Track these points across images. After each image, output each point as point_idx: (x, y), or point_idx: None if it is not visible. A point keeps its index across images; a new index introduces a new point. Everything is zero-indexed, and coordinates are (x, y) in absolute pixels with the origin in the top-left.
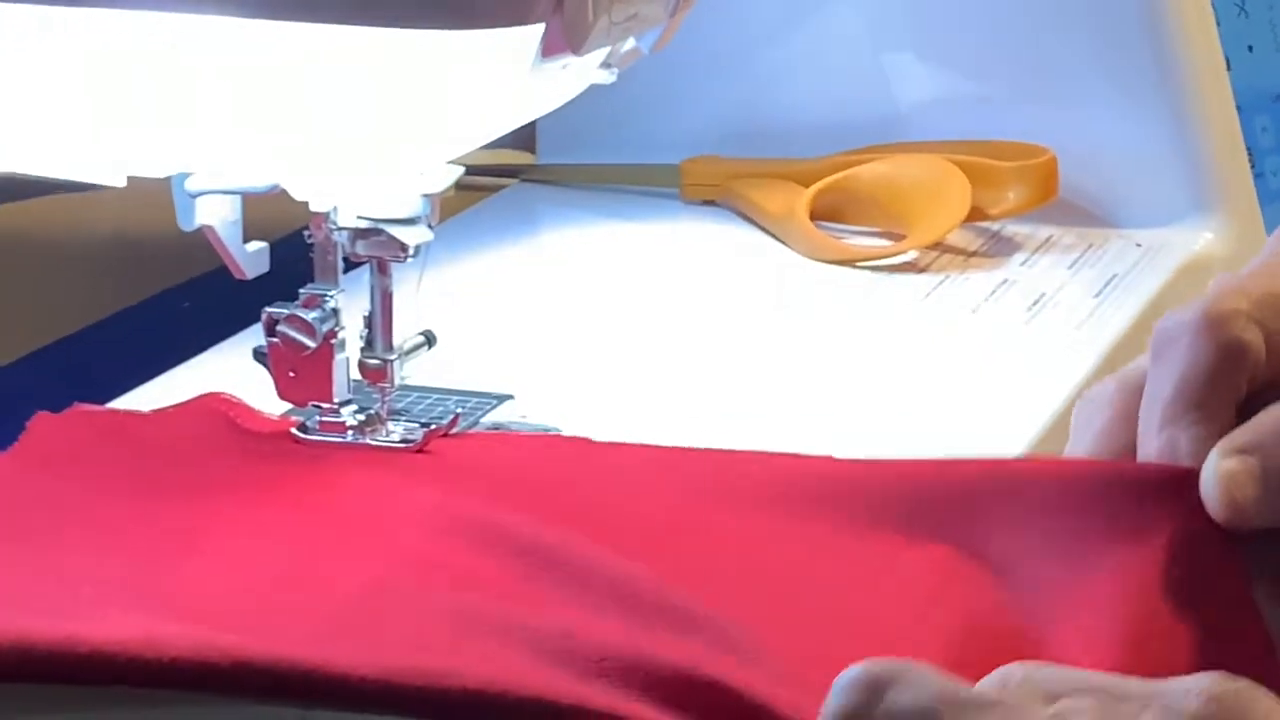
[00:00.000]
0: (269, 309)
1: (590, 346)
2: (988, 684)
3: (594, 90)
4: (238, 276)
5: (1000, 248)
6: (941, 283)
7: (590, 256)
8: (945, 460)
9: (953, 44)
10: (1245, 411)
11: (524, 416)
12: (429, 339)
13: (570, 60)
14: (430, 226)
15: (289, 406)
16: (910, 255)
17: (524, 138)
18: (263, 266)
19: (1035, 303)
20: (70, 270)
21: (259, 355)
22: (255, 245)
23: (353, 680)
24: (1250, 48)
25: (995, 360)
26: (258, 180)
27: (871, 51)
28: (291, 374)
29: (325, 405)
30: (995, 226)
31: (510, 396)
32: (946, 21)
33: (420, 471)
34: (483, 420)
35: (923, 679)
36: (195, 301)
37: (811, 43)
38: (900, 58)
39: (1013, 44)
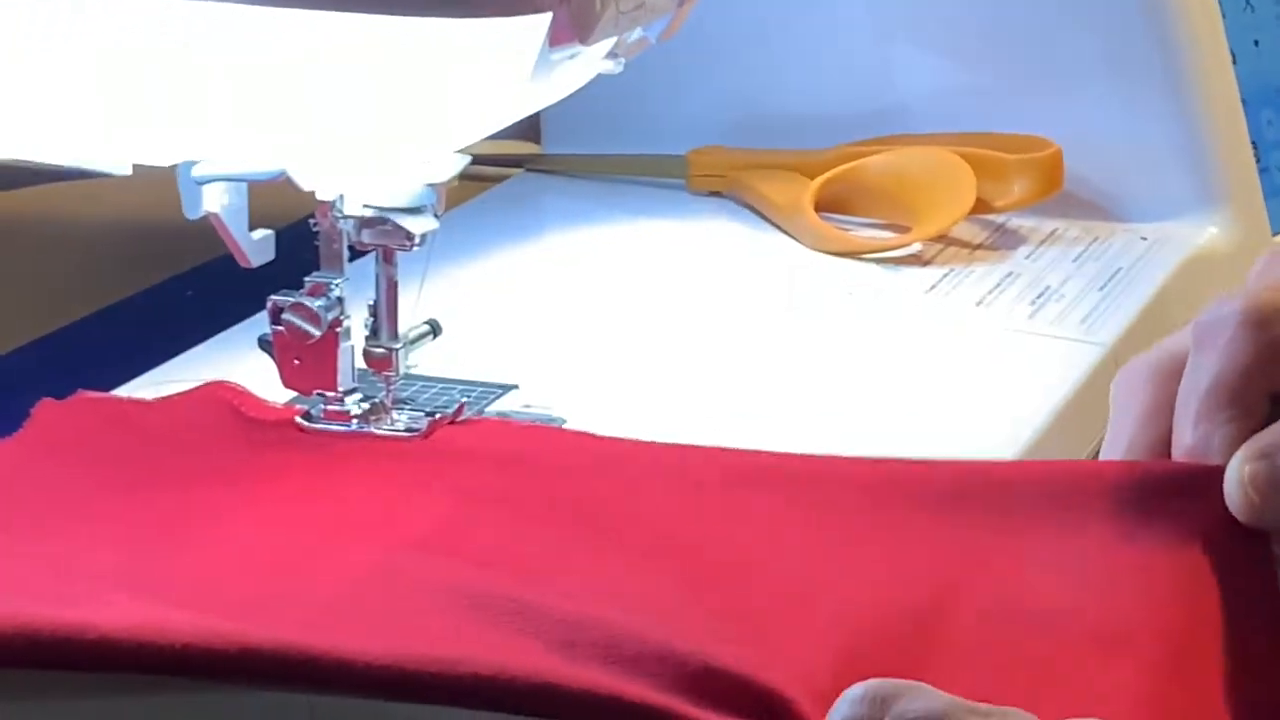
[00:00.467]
0: (274, 297)
1: (595, 337)
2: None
3: (600, 80)
4: (243, 264)
5: (1005, 240)
6: (946, 275)
7: (595, 247)
8: (973, 462)
9: (959, 36)
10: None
11: (528, 406)
12: (434, 328)
13: (578, 50)
14: (436, 215)
15: (294, 395)
16: (915, 247)
17: (529, 127)
18: (268, 254)
19: (1040, 296)
20: (74, 257)
21: (264, 343)
22: (261, 233)
23: (360, 666)
24: (1256, 42)
25: (1000, 353)
26: (264, 167)
27: (878, 43)
28: (296, 362)
29: (330, 394)
30: (1000, 219)
31: (515, 386)
32: (953, 13)
33: (424, 460)
34: (487, 410)
35: (932, 692)
36: (199, 289)
37: (818, 34)
38: (906, 49)
39: (1019, 36)
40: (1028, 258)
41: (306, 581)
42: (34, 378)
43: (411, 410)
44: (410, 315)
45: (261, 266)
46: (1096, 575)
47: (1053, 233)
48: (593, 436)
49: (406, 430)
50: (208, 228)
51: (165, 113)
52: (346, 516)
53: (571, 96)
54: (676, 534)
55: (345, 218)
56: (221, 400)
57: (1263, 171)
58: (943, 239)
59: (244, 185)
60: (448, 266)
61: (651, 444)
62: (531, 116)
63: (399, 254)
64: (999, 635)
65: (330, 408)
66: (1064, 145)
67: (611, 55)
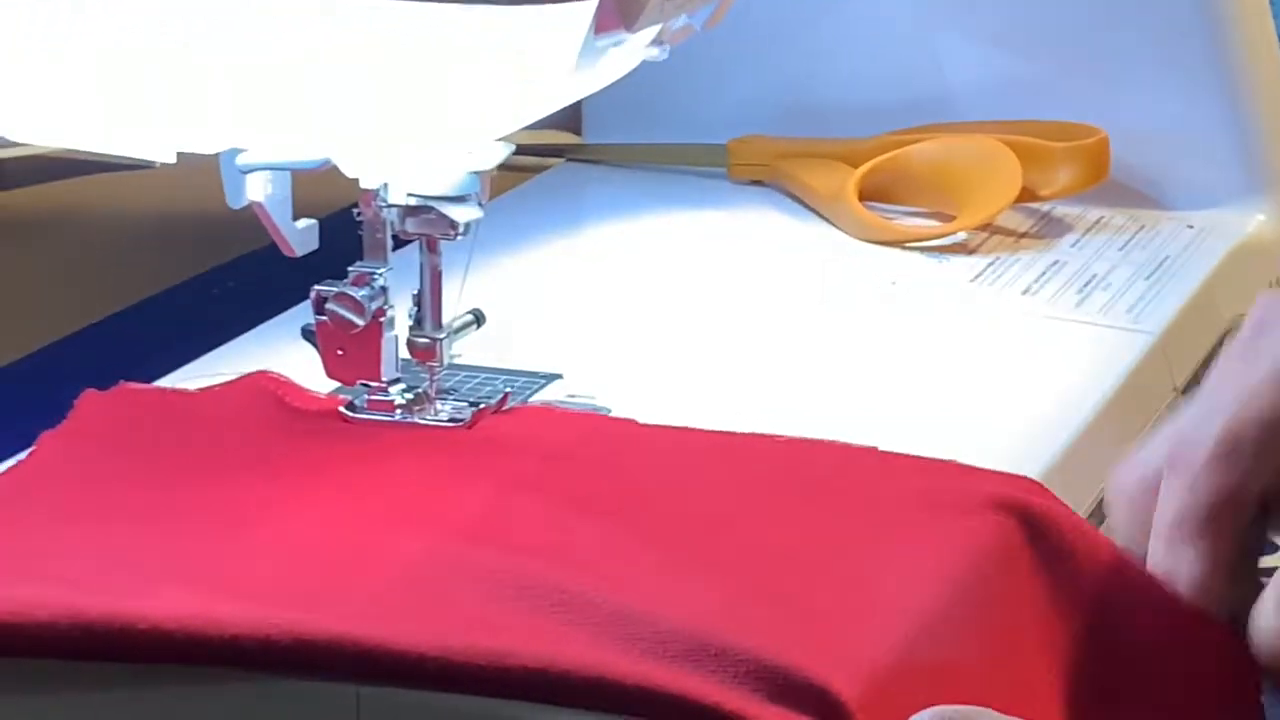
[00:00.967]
0: (318, 287)
1: (638, 326)
2: None
3: (641, 69)
4: (286, 254)
5: (1051, 229)
6: (992, 264)
7: (637, 237)
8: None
9: (1004, 23)
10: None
11: (572, 396)
12: (478, 318)
13: (623, 37)
14: (480, 204)
15: (337, 385)
16: (960, 236)
17: (569, 117)
18: (312, 244)
19: (1086, 284)
20: (119, 248)
21: (307, 333)
22: (304, 222)
23: (411, 658)
24: None
25: (1046, 342)
26: (308, 156)
27: (922, 30)
28: (340, 352)
29: (374, 384)
30: (1046, 207)
31: (559, 376)
32: (998, 0)
33: (469, 450)
34: (531, 400)
35: (994, 717)
36: (242, 280)
37: (861, 21)
38: (950, 37)
39: (1064, 23)
40: (1074, 246)
41: (351, 572)
42: (78, 369)
43: (455, 400)
44: (454, 305)
45: (305, 256)
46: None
47: (1099, 221)
48: (638, 424)
49: (450, 420)
50: (252, 218)
51: (207, 101)
52: (391, 507)
53: (611, 86)
54: (724, 522)
55: (389, 207)
56: (265, 390)
57: None
58: (988, 228)
59: (288, 174)
60: (490, 256)
61: (698, 431)
62: (572, 106)
63: (443, 243)
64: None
65: (374, 398)
66: (1110, 133)
67: (656, 43)
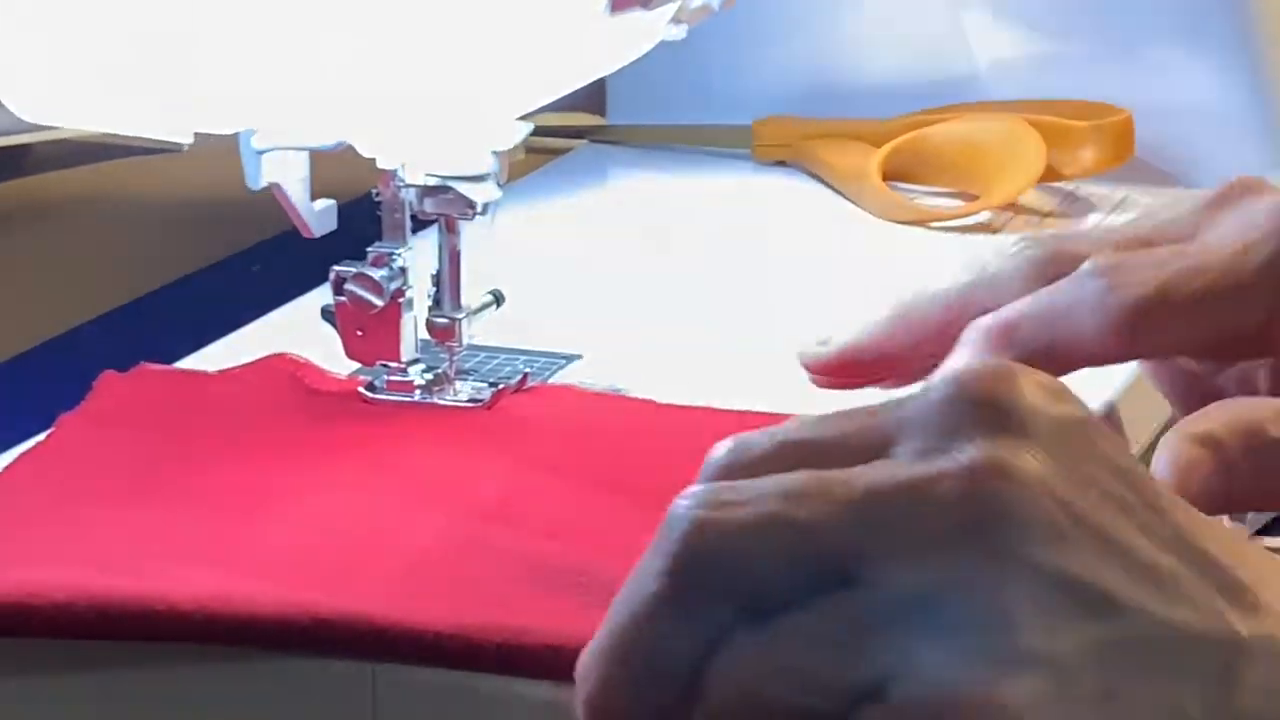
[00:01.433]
0: (337, 267)
1: (659, 307)
2: None
3: (664, 50)
4: (305, 235)
5: (1075, 208)
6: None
7: (660, 217)
8: None
9: (1028, 2)
10: None
11: (592, 378)
12: (497, 298)
13: (640, 14)
14: (499, 184)
15: (357, 366)
16: (984, 216)
17: (593, 98)
18: (330, 225)
19: None
20: (141, 233)
21: (327, 314)
22: (323, 203)
23: (428, 637)
24: None
25: None
26: (325, 137)
27: (945, 10)
28: (359, 333)
29: (393, 364)
30: (1070, 187)
31: (579, 356)
32: None
33: (488, 431)
34: (550, 381)
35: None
36: (263, 264)
37: (885, 1)
38: (974, 16)
39: (1089, 2)
40: (1098, 225)
41: (370, 552)
42: (100, 352)
43: (475, 381)
44: (473, 285)
45: (324, 237)
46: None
47: (1123, 200)
48: (657, 405)
49: (470, 401)
50: (273, 204)
51: (225, 79)
52: (410, 487)
53: (635, 67)
54: None
55: (408, 187)
56: (284, 372)
57: None
58: (1012, 207)
59: (306, 156)
60: (512, 236)
61: (718, 411)
62: (595, 87)
63: (462, 223)
64: None
65: (393, 378)
66: (1135, 111)
67: (675, 21)
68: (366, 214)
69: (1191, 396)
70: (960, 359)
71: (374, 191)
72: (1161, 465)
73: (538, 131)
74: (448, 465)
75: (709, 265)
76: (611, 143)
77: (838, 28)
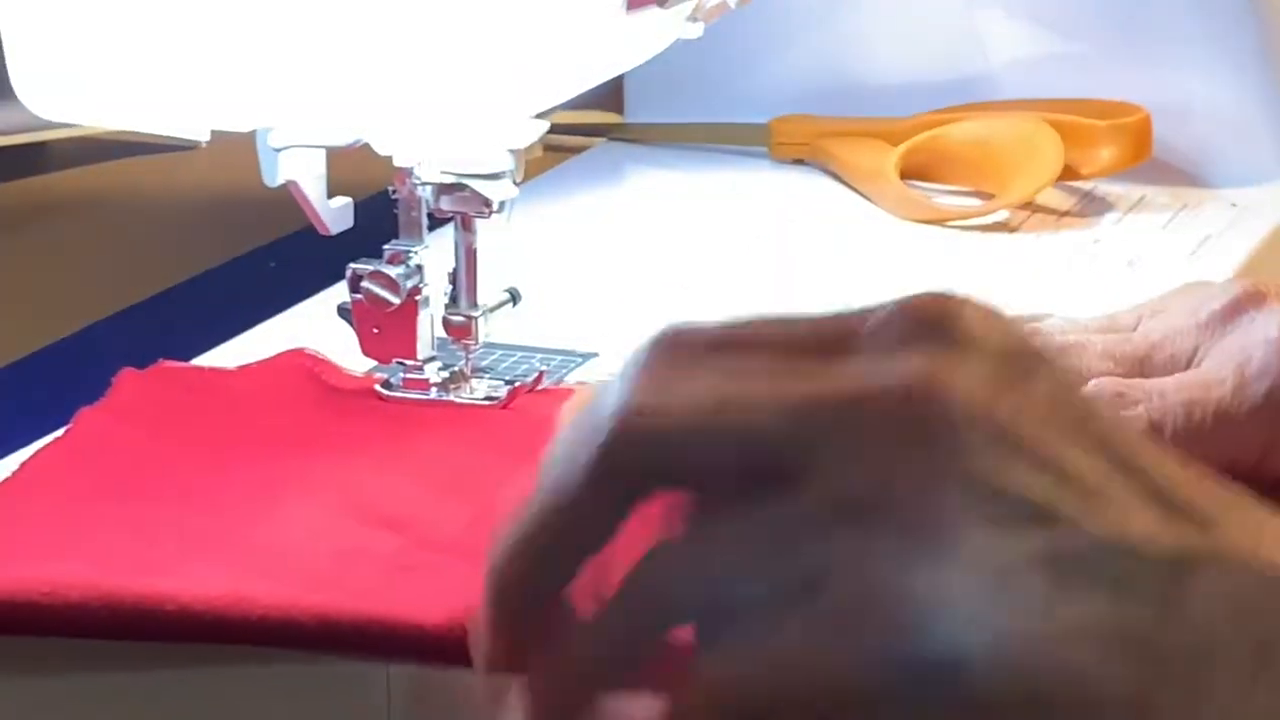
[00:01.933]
0: (353, 265)
1: (677, 306)
2: None
3: (682, 48)
4: (321, 232)
5: (1093, 207)
6: (1033, 243)
7: (678, 215)
8: None
9: (1045, 1)
10: None
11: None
12: (514, 296)
13: (656, 12)
14: (515, 182)
15: (373, 363)
16: (1001, 215)
17: (611, 96)
18: (346, 222)
19: (1128, 264)
20: (158, 230)
21: (343, 312)
22: (339, 200)
23: (443, 636)
24: None
25: None
26: (342, 135)
27: (963, 8)
28: (375, 330)
29: (409, 362)
30: (1087, 186)
31: (595, 355)
32: None
33: (504, 429)
34: (567, 379)
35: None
36: (280, 261)
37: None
38: (992, 14)
39: (1106, 1)
40: (1115, 225)
41: (384, 549)
42: (118, 349)
43: (491, 378)
44: (490, 283)
45: (340, 235)
46: None
47: (1141, 199)
48: None
49: (486, 398)
50: (289, 200)
51: (241, 77)
52: (425, 484)
53: (653, 65)
54: None
55: (424, 184)
56: (300, 368)
57: None
58: (1029, 206)
59: (322, 153)
60: (528, 234)
61: None
62: (613, 85)
63: (478, 221)
64: None
65: (409, 376)
66: (1152, 110)
67: (691, 19)
68: (383, 211)
69: None
70: None
71: (390, 189)
72: None
73: (555, 129)
74: (463, 463)
75: (725, 263)
76: (629, 141)
77: (855, 26)
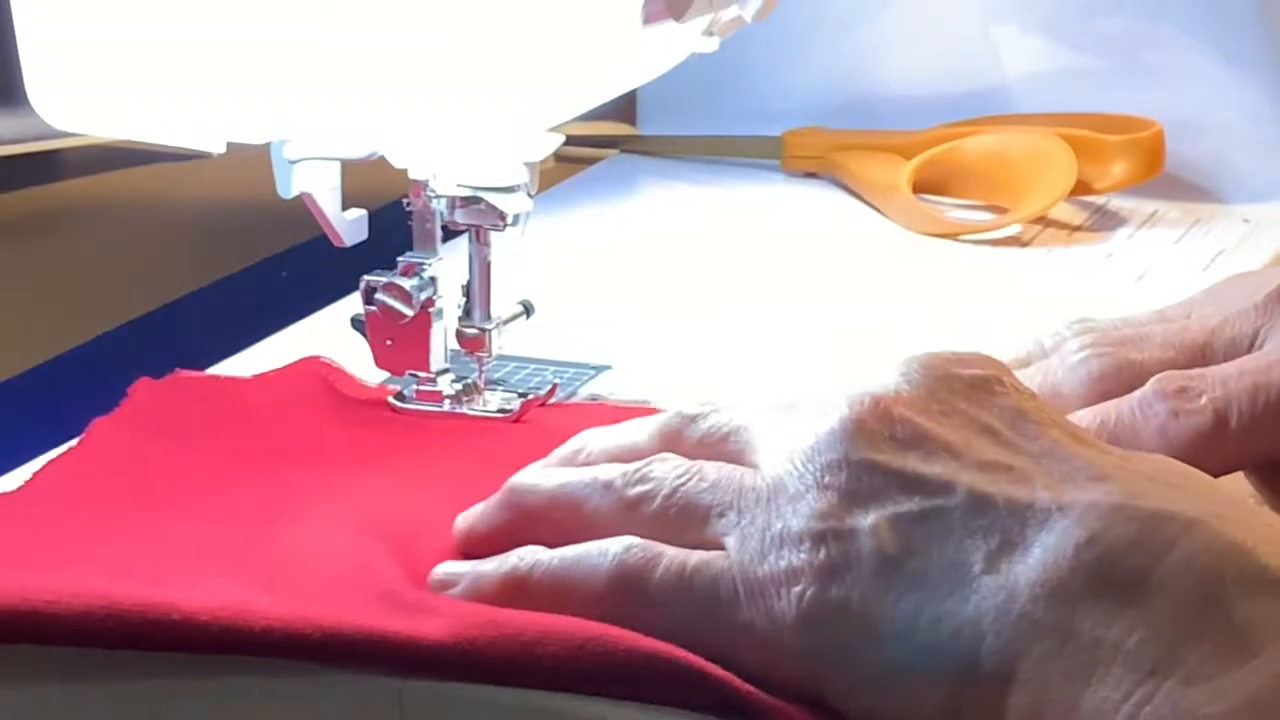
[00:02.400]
0: (367, 277)
1: (689, 319)
2: None
3: (695, 61)
4: (336, 244)
5: (1105, 222)
6: (1045, 257)
7: (691, 228)
8: None
9: (1059, 16)
10: None
11: (622, 389)
12: (527, 309)
13: (672, 26)
14: (530, 195)
15: (386, 375)
16: (1014, 229)
17: (624, 108)
18: (361, 234)
19: (1140, 278)
20: (172, 238)
21: (356, 323)
22: (354, 212)
23: (453, 651)
24: None
25: None
26: (357, 148)
27: (976, 23)
28: (389, 342)
29: (422, 374)
30: (1100, 200)
31: (608, 367)
32: None
33: (517, 441)
34: (580, 391)
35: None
36: (293, 270)
37: (916, 14)
38: (1005, 30)
39: (1119, 16)
40: (1128, 240)
41: (395, 562)
42: (131, 357)
43: (504, 391)
44: (504, 296)
45: (354, 246)
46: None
47: (1153, 214)
48: None
49: (499, 411)
50: (303, 210)
51: (256, 89)
52: (437, 497)
53: (666, 77)
54: None
55: (438, 197)
56: (316, 376)
57: None
58: (1042, 220)
59: (337, 165)
60: (542, 247)
61: None
62: (626, 98)
63: (493, 234)
64: None
65: (423, 388)
66: (1166, 126)
67: (707, 33)
68: (397, 223)
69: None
70: None
71: (405, 201)
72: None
73: (569, 141)
74: (476, 476)
75: (739, 276)
76: (642, 153)
77: (868, 40)
